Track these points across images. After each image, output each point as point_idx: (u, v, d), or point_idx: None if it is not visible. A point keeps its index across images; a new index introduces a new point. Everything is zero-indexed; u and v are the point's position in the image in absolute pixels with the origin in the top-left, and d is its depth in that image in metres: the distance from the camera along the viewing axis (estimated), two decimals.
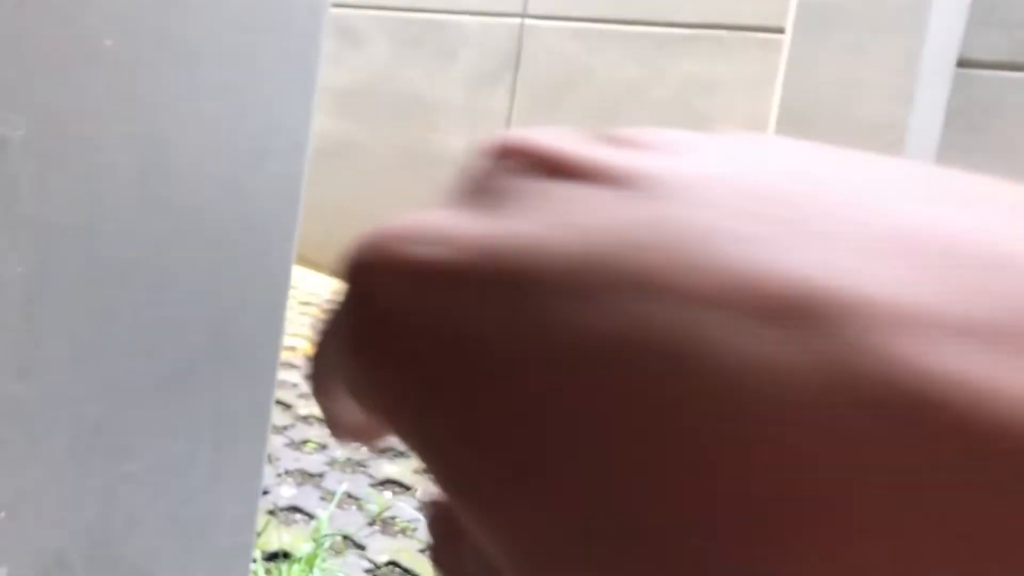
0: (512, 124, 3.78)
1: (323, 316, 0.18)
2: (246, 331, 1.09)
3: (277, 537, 1.80)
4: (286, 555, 1.73)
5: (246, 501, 1.14)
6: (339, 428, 0.21)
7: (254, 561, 1.66)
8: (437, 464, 0.15)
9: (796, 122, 2.61)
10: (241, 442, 1.12)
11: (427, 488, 2.19)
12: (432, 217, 0.16)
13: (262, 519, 1.90)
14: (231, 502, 1.12)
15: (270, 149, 1.09)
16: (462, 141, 3.93)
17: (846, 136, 2.56)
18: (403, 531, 1.97)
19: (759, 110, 3.01)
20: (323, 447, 2.36)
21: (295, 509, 2.00)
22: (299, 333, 3.41)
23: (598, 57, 3.53)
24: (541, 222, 0.14)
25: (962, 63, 2.74)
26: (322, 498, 2.03)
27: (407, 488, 2.17)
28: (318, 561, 1.59)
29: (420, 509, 2.08)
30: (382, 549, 1.87)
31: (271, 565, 1.66)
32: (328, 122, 4.39)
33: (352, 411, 0.19)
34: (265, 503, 1.99)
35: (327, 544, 1.66)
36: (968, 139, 2.72)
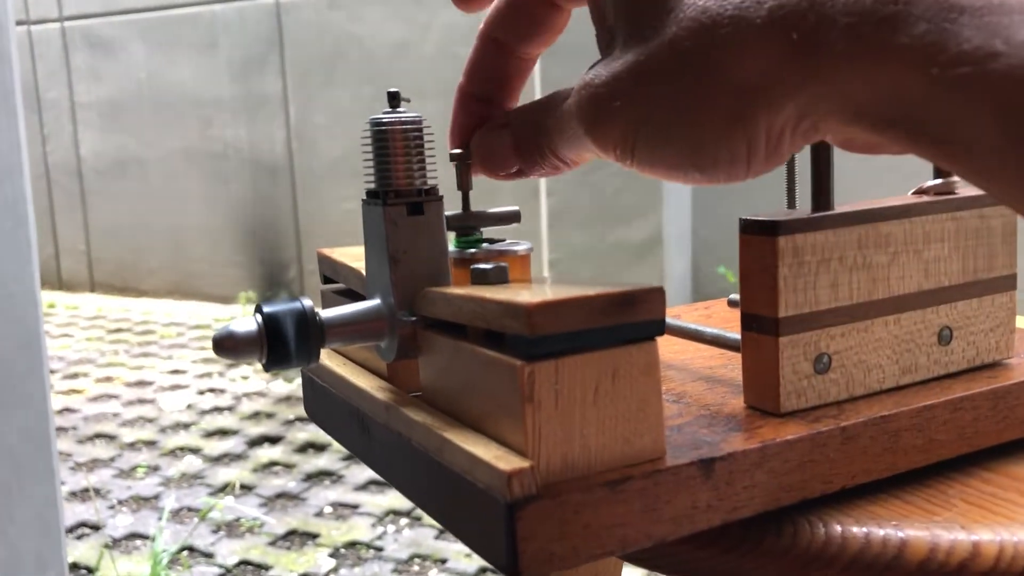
0: (289, 105, 3.71)
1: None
2: (1, 364, 1.05)
3: (115, 568, 1.76)
4: None
5: (47, 536, 1.11)
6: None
7: None
8: None
9: (557, 53, 2.68)
10: (27, 479, 1.09)
11: (267, 485, 2.17)
12: None
13: (96, 553, 1.84)
14: (30, 541, 1.09)
15: None
16: (241, 132, 3.83)
17: None
18: (250, 530, 1.95)
19: None
20: (154, 469, 2.30)
21: (135, 536, 1.95)
22: (115, 362, 3.28)
23: (360, 24, 3.51)
24: None
25: None
26: (160, 519, 1.99)
27: (249, 489, 2.15)
28: None
29: (263, 506, 2.06)
30: (230, 552, 1.86)
31: None
32: (98, 140, 4.18)
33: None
34: (101, 537, 1.93)
35: (166, 561, 1.63)
36: None
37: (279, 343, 0.32)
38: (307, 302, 0.33)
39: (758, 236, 0.33)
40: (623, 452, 0.29)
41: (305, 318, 0.32)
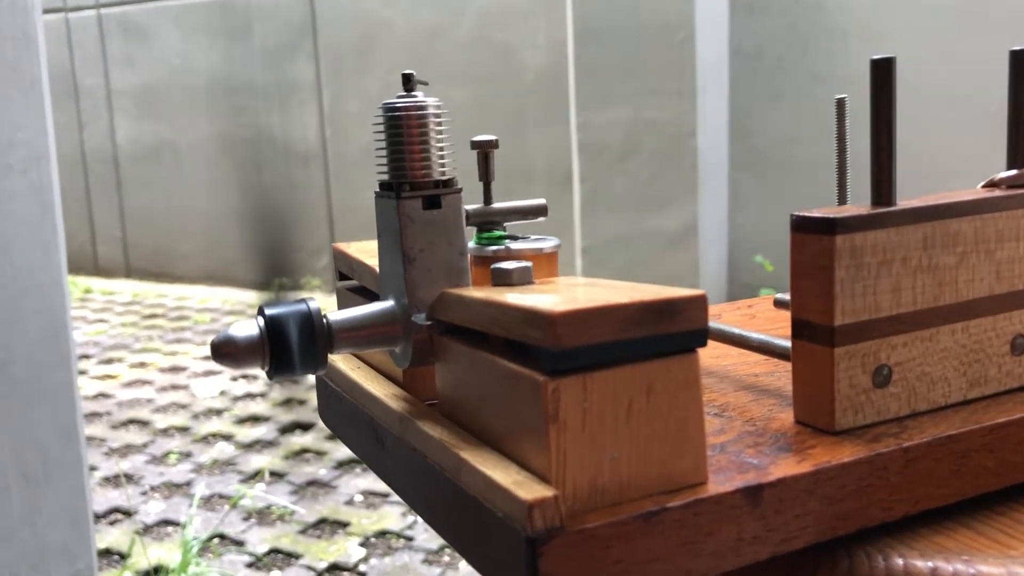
0: (323, 91, 3.70)
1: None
2: (28, 355, 1.04)
3: (147, 555, 1.76)
4: (158, 570, 1.69)
5: (76, 527, 1.11)
6: None
7: None
8: None
9: (592, 38, 2.64)
10: (54, 469, 1.08)
11: (299, 472, 2.16)
12: None
13: (128, 539, 1.84)
14: (58, 532, 1.08)
15: (10, 165, 1.03)
16: (274, 118, 3.83)
17: (639, 41, 2.62)
18: (280, 518, 1.95)
19: (556, 33, 3.04)
20: (187, 455, 2.30)
21: (166, 523, 1.95)
22: (149, 348, 3.29)
23: (394, 8, 3.48)
24: None
25: None
26: (191, 506, 1.99)
27: (280, 476, 2.14)
28: (190, 567, 1.56)
29: (294, 493, 2.06)
30: (261, 540, 1.85)
31: None
32: (132, 126, 4.20)
33: None
34: (133, 523, 1.93)
35: (196, 549, 1.63)
36: (753, 22, 2.82)
37: (282, 349, 0.29)
38: (313, 304, 0.30)
39: (812, 235, 0.30)
40: (660, 477, 0.26)
41: (311, 322, 0.30)
